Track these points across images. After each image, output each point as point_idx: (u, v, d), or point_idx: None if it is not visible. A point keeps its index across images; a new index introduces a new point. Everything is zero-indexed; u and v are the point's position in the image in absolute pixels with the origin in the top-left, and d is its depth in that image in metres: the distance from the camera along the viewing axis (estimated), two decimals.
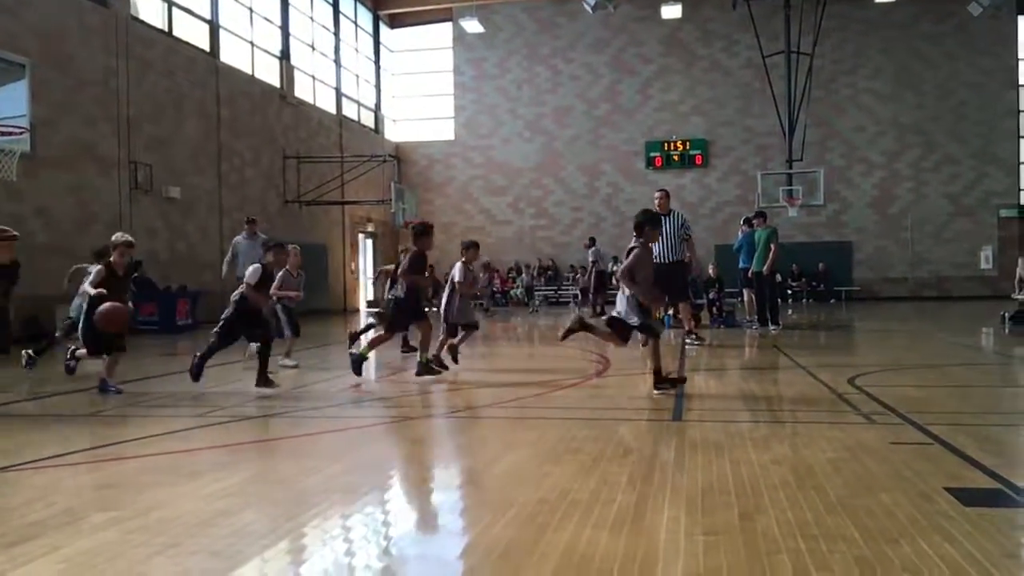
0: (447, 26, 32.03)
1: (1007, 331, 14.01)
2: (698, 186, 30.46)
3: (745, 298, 15.01)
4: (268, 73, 23.69)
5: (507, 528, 3.43)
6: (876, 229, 29.82)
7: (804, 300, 28.06)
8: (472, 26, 28.96)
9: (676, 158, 30.70)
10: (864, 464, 4.43)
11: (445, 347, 9.12)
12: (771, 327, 14.11)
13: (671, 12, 28.27)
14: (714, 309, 16.47)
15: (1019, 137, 29.40)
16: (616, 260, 27.23)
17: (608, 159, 31.21)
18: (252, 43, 22.90)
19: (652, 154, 30.79)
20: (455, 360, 9.17)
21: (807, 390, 7.20)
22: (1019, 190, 29.34)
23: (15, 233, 6.51)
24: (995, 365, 10.24)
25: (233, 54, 21.89)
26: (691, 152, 30.64)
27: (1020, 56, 29.21)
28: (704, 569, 2.88)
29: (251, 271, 8.21)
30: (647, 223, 7.13)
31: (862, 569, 2.83)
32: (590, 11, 26.26)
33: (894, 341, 13.35)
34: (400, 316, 8.63)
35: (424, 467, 4.85)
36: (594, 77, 31.34)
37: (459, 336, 9.35)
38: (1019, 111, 29.36)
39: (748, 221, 15.14)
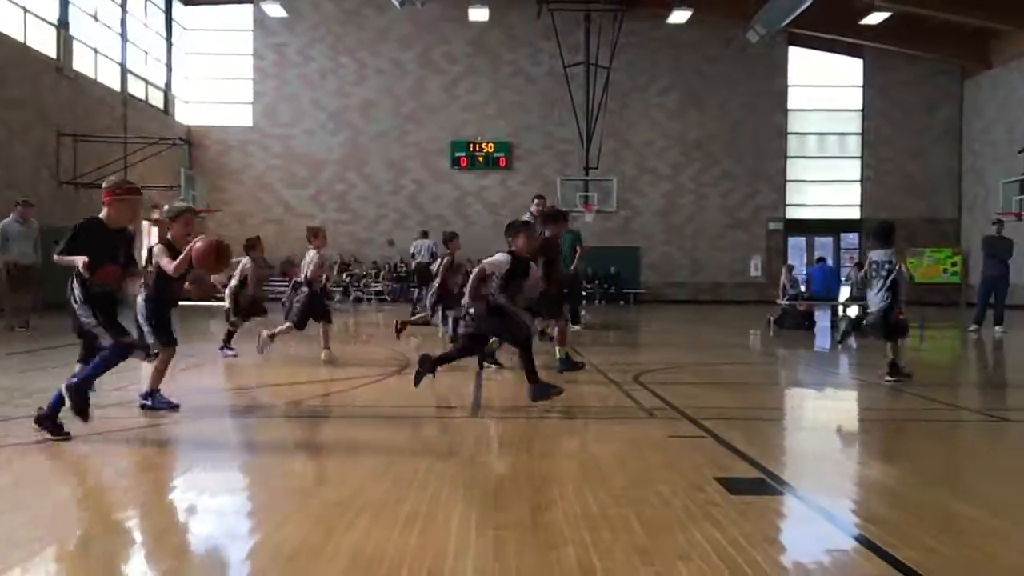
0: (247, 8, 30.71)
1: (772, 333, 15.52)
2: (501, 188, 31.09)
3: None
4: (42, 42, 21.62)
5: (297, 529, 3.33)
6: (662, 236, 31.78)
7: (597, 301, 29.38)
8: (274, 10, 27.93)
9: (481, 159, 31.16)
10: (645, 457, 4.70)
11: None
12: (573, 326, 14.68)
13: (478, 15, 28.64)
14: None
15: (786, 157, 32.37)
16: (434, 257, 27.07)
17: (413, 156, 31.15)
18: (24, 8, 20.81)
19: (457, 154, 31.06)
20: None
21: (597, 387, 7.53)
22: (785, 205, 32.29)
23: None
24: (760, 364, 11.23)
25: (1, 18, 19.78)
26: (495, 154, 31.20)
27: (789, 83, 32.14)
28: (493, 563, 2.94)
29: (500, 260, 6.25)
30: (893, 230, 7.72)
31: (641, 557, 3.00)
32: (397, 6, 26.07)
33: (675, 341, 14.30)
34: (552, 304, 8.38)
35: (210, 469, 4.60)
36: (401, 73, 31.16)
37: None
38: (787, 133, 32.31)
39: None
